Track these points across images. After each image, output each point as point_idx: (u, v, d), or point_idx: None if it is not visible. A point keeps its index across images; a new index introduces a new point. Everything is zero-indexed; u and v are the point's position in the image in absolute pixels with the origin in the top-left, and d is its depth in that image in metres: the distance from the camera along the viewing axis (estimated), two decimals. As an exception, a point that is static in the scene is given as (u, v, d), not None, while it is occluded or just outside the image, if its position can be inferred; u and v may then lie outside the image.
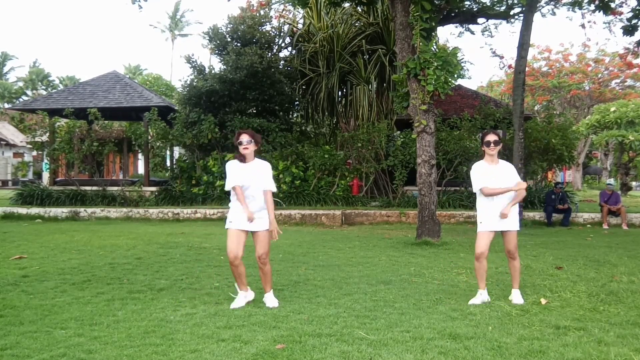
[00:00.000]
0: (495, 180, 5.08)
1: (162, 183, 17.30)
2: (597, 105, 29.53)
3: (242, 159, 4.99)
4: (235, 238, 4.91)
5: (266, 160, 5.18)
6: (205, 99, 15.82)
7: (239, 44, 16.72)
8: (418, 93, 9.63)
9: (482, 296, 5.14)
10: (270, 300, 5.01)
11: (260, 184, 4.96)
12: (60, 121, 17.84)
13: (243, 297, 5.02)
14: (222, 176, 15.24)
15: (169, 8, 76.69)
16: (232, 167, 5.02)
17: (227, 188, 5.03)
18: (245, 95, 15.90)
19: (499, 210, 5.07)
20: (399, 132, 17.25)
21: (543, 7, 14.53)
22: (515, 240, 5.16)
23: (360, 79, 17.69)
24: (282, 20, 19.75)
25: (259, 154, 5.25)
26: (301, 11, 19.36)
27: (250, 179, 4.93)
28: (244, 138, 4.94)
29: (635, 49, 14.35)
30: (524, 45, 12.92)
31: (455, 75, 9.87)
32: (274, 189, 5.07)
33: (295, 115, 19.70)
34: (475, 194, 5.27)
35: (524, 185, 5.21)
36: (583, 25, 15.51)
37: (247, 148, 4.93)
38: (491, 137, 5.14)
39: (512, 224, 5.13)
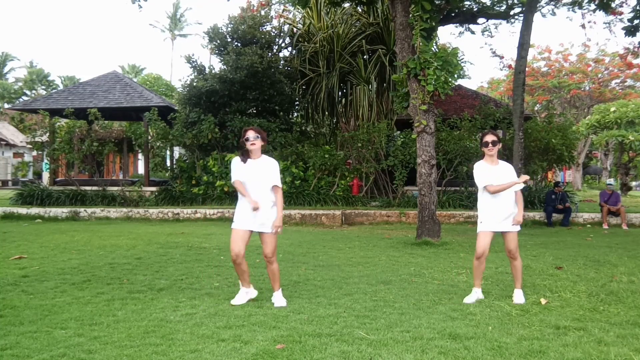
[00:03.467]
0: (497, 180, 5.13)
1: (162, 183, 17.30)
2: (597, 105, 29.55)
3: (246, 156, 5.00)
4: (238, 237, 4.94)
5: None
6: (205, 99, 15.82)
7: (239, 44, 16.73)
8: (418, 93, 9.63)
9: (476, 294, 5.20)
10: (278, 299, 5.01)
11: (266, 181, 4.96)
12: (60, 121, 17.85)
13: (244, 293, 5.06)
14: (222, 176, 15.26)
15: (168, 8, 76.62)
16: (235, 164, 5.07)
17: (232, 181, 5.08)
18: (246, 95, 15.90)
19: (502, 210, 5.11)
20: (399, 132, 17.25)
21: (543, 7, 14.57)
22: (516, 240, 5.21)
23: (360, 79, 17.68)
24: (282, 20, 19.74)
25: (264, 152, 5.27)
26: (301, 11, 19.35)
27: (255, 175, 4.94)
28: (251, 134, 4.97)
29: (636, 49, 14.36)
30: (524, 45, 12.93)
31: (455, 75, 9.88)
32: (280, 184, 5.07)
33: (295, 115, 19.69)
34: (475, 193, 5.30)
35: (527, 177, 5.29)
36: (583, 26, 15.60)
37: (254, 144, 4.95)
38: (489, 138, 5.20)
39: (512, 225, 5.18)
